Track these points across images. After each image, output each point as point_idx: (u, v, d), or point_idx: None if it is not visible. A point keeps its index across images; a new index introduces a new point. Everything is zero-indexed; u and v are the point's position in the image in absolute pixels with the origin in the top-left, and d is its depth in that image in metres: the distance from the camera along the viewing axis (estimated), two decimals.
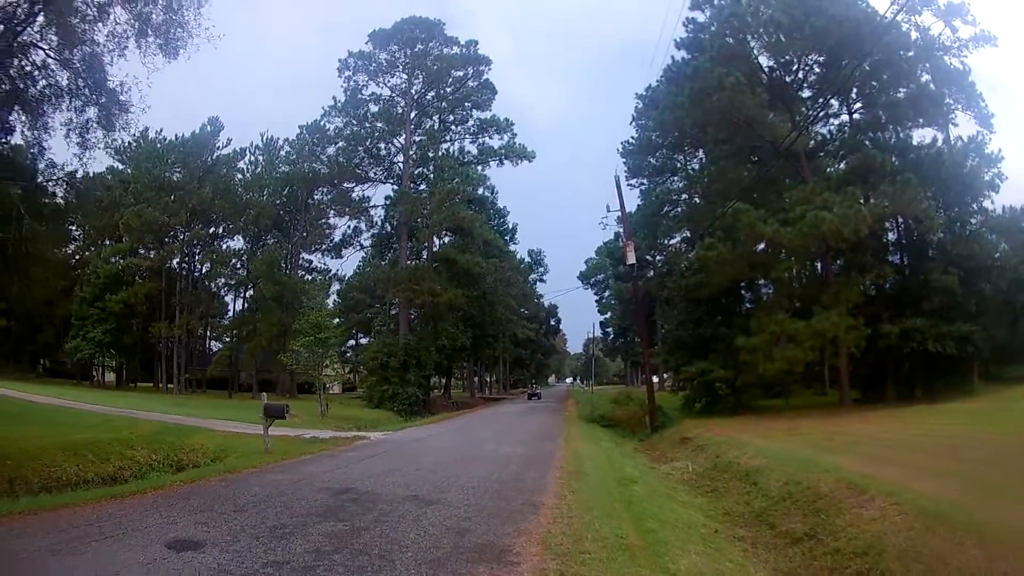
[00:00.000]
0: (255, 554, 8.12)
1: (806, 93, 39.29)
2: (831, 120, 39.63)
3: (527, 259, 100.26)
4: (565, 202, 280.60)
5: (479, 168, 65.43)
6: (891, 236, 37.40)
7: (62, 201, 37.00)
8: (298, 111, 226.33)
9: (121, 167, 70.57)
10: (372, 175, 65.44)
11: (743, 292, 42.65)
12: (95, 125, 24.19)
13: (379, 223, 69.67)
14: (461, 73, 64.97)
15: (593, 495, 13.88)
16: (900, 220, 35.05)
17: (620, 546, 9.47)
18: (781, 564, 10.68)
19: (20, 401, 32.66)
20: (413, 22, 64.12)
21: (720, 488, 17.06)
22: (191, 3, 22.96)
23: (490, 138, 66.44)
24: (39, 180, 27.45)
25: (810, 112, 35.37)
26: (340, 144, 63.90)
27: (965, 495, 10.70)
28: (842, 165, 36.61)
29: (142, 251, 69.61)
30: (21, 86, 23.15)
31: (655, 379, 47.46)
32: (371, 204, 67.22)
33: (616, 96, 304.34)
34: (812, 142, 37.10)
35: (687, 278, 40.49)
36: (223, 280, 76.10)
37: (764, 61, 38.02)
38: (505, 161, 65.13)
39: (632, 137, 54.83)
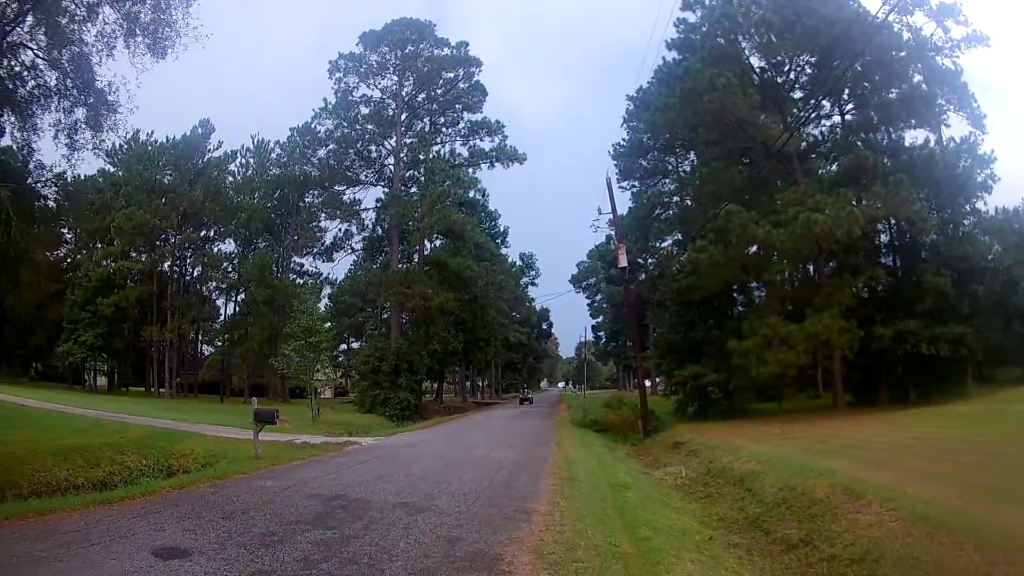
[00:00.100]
0: (242, 563, 7.97)
1: (797, 94, 39.31)
2: (823, 121, 39.75)
3: (519, 262, 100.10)
4: (557, 205, 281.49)
5: (470, 171, 65.49)
6: (883, 238, 37.43)
7: (53, 204, 36.72)
8: (292, 112, 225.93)
9: (112, 170, 70.42)
10: (363, 178, 65.49)
11: (735, 295, 42.66)
12: (83, 126, 24.09)
13: (370, 226, 69.77)
14: (452, 75, 64.86)
15: (586, 502, 13.75)
16: (893, 222, 35.04)
17: (613, 554, 9.35)
18: (777, 571, 10.61)
19: (12, 405, 32.38)
20: (404, 23, 63.99)
21: (714, 494, 17.00)
22: (179, 2, 22.84)
23: (481, 140, 66.45)
24: (29, 182, 27.23)
25: (802, 113, 35.34)
26: (331, 146, 63.88)
27: (963, 499, 10.60)
28: (834, 167, 36.66)
29: (133, 254, 69.23)
30: (10, 87, 23.05)
31: (647, 383, 47.33)
32: (362, 207, 67.35)
33: (607, 98, 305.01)
34: (804, 143, 37.15)
35: (679, 281, 40.50)
36: (214, 284, 75.61)
37: (755, 62, 38.16)
38: (496, 163, 65.21)
39: (623, 139, 54.79)
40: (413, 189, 63.88)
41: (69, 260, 73.93)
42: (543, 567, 8.30)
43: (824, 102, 36.66)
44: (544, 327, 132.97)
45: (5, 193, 23.43)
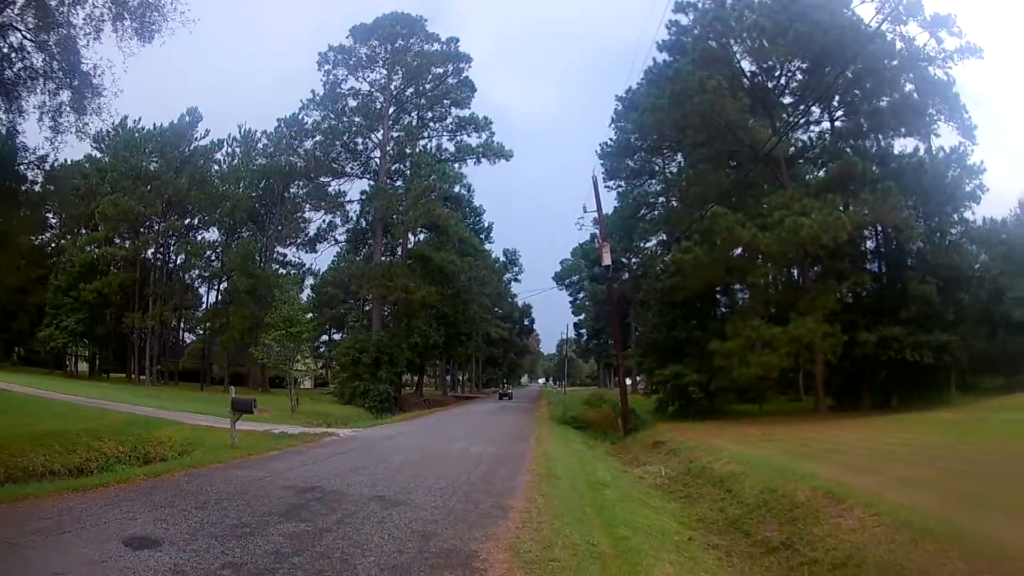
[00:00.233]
0: (213, 554, 7.81)
1: (787, 99, 39.32)
2: (812, 127, 39.81)
3: (502, 258, 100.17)
4: (542, 203, 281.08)
5: (456, 166, 65.55)
6: (870, 244, 37.51)
7: (39, 188, 36.37)
8: (281, 104, 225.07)
9: (99, 155, 70.09)
10: (348, 170, 65.49)
11: (719, 296, 42.69)
12: (68, 109, 23.79)
13: (354, 218, 69.69)
14: (441, 70, 64.83)
15: (564, 499, 13.59)
16: (879, 228, 35.17)
17: (591, 554, 9.21)
18: (757, 574, 10.47)
19: None
20: (395, 18, 63.85)
21: (693, 494, 16.86)
22: None
23: (468, 136, 66.46)
24: (15, 165, 26.96)
25: (791, 118, 35.30)
26: (317, 138, 63.81)
27: (946, 507, 10.51)
28: (822, 172, 36.71)
29: (117, 241, 68.91)
30: None
31: (628, 381, 47.33)
32: (347, 199, 67.33)
33: (596, 99, 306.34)
34: (792, 148, 37.20)
35: (662, 281, 40.47)
36: (197, 272, 75.68)
37: (746, 66, 38.16)
38: (482, 159, 65.23)
39: (611, 139, 54.78)
40: (398, 182, 63.72)
41: (53, 245, 73.63)
42: (519, 565, 8.14)
43: (814, 108, 36.66)
44: (526, 323, 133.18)
45: None
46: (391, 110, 64.19)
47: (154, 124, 70.44)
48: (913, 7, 33.64)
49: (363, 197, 65.42)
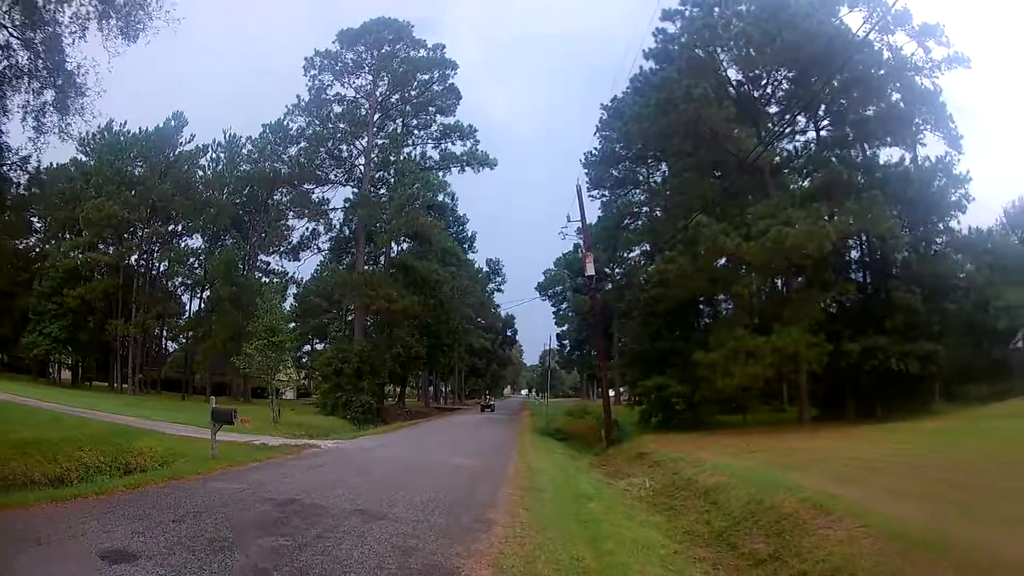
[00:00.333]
0: (190, 570, 7.70)
1: (773, 109, 39.32)
2: (797, 136, 39.85)
3: (485, 268, 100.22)
4: (525, 212, 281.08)
5: (440, 174, 65.58)
6: (854, 254, 37.59)
7: (24, 191, 35.92)
8: (268, 110, 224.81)
9: (84, 159, 69.72)
10: (332, 177, 65.06)
11: (702, 307, 42.72)
12: (51, 108, 23.54)
13: (338, 226, 69.64)
14: (427, 76, 64.59)
15: (548, 512, 13.52)
16: (864, 238, 35.18)
17: (576, 569, 9.12)
18: None
19: None
20: (382, 23, 63.82)
21: (678, 506, 16.75)
22: None
23: (453, 144, 66.31)
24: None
25: (777, 127, 35.34)
26: (302, 144, 63.48)
27: (935, 516, 10.53)
28: (806, 183, 36.76)
29: (101, 246, 68.31)
30: None
31: (611, 393, 47.29)
32: (330, 207, 66.97)
33: (581, 107, 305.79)
34: (777, 158, 37.20)
35: (646, 291, 40.47)
36: (180, 279, 75.55)
37: (733, 74, 38.22)
38: (467, 168, 65.03)
39: (595, 148, 55.05)
40: (382, 190, 63.57)
41: (38, 249, 73.05)
42: None
43: (800, 117, 36.73)
44: (509, 334, 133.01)
45: None
46: (376, 117, 63.98)
47: (139, 128, 70.24)
48: (901, 17, 33.67)
49: (347, 205, 65.56)
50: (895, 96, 34.63)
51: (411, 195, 57.74)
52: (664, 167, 47.99)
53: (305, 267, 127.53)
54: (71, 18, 22.39)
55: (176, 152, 70.77)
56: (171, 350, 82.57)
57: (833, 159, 35.39)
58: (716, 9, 36.89)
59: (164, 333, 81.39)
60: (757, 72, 37.92)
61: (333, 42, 63.99)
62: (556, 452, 32.03)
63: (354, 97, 64.83)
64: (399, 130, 65.52)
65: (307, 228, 70.36)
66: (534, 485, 17.29)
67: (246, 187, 71.18)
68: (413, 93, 64.65)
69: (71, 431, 21.58)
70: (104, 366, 73.67)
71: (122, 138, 68.90)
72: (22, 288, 65.46)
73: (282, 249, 74.40)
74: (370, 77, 64.25)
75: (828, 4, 34.97)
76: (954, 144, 34.93)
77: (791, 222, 30.02)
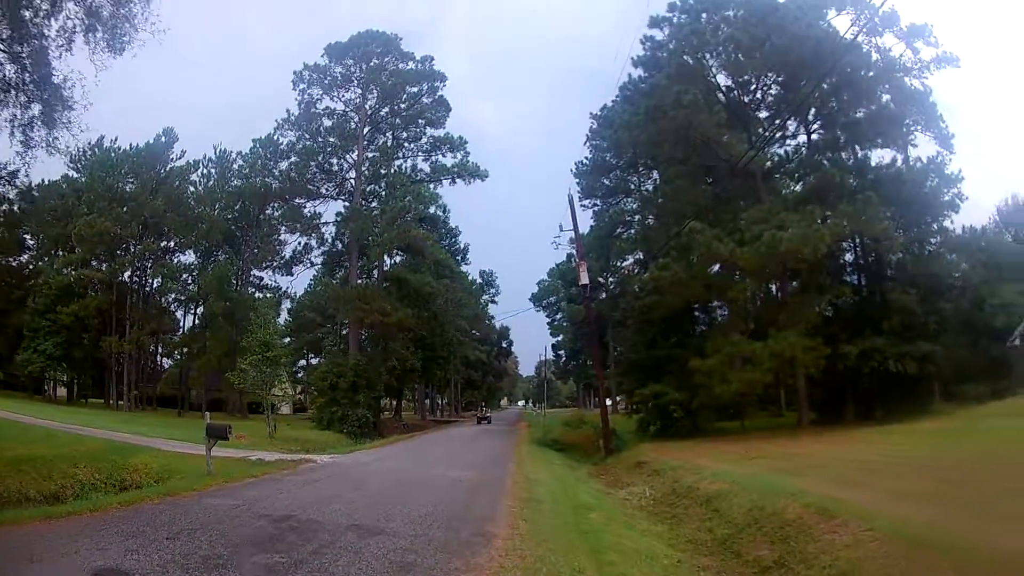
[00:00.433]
0: None
1: (763, 113, 39.48)
2: (788, 140, 39.88)
3: (479, 280, 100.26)
4: (518, 223, 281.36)
5: (431, 186, 65.53)
6: (848, 257, 37.53)
7: (14, 206, 35.80)
8: (259, 124, 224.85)
9: (76, 175, 69.63)
10: (324, 191, 64.90)
11: (697, 314, 42.63)
12: (39, 123, 23.39)
13: (330, 240, 69.62)
14: (416, 89, 64.49)
15: (548, 524, 13.33)
16: (858, 240, 35.17)
17: None
18: None
19: None
20: (370, 36, 63.81)
21: (680, 515, 16.62)
22: None
23: (443, 156, 66.10)
24: None
25: (768, 131, 35.31)
26: (292, 159, 63.39)
27: (942, 516, 10.46)
28: (798, 187, 36.73)
29: (94, 263, 68.05)
30: None
31: (608, 402, 47.15)
32: (322, 221, 66.83)
33: (571, 116, 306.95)
34: (769, 163, 37.22)
35: (641, 299, 40.39)
36: (173, 295, 75.25)
37: (722, 80, 38.31)
38: (458, 179, 64.95)
39: (586, 157, 55.15)
40: (374, 204, 63.33)
41: (31, 266, 73.03)
42: None
43: (790, 121, 36.75)
44: (504, 345, 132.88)
45: None
46: (366, 130, 63.90)
47: (130, 144, 70.05)
48: (889, 18, 33.70)
49: (339, 219, 65.25)
50: (885, 97, 34.75)
51: (403, 208, 57.63)
52: (655, 175, 48.09)
53: (298, 281, 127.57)
54: (58, 31, 22.31)
55: (167, 168, 70.47)
56: (166, 366, 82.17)
57: (825, 162, 35.42)
58: (704, 15, 37.05)
59: (159, 349, 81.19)
60: (746, 77, 37.99)
61: (321, 56, 63.92)
62: (554, 463, 31.87)
63: (344, 111, 64.73)
64: (389, 143, 65.37)
65: (299, 242, 70.58)
66: (533, 496, 17.13)
67: (238, 202, 71.07)
68: (402, 106, 64.56)
69: (66, 448, 21.46)
70: (100, 383, 73.09)
71: (113, 154, 68.78)
72: (16, 305, 65.38)
73: (275, 264, 74.67)
74: (359, 90, 64.17)
75: (816, 7, 35.05)
76: (945, 144, 34.99)
77: (785, 226, 29.98)
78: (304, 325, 77.67)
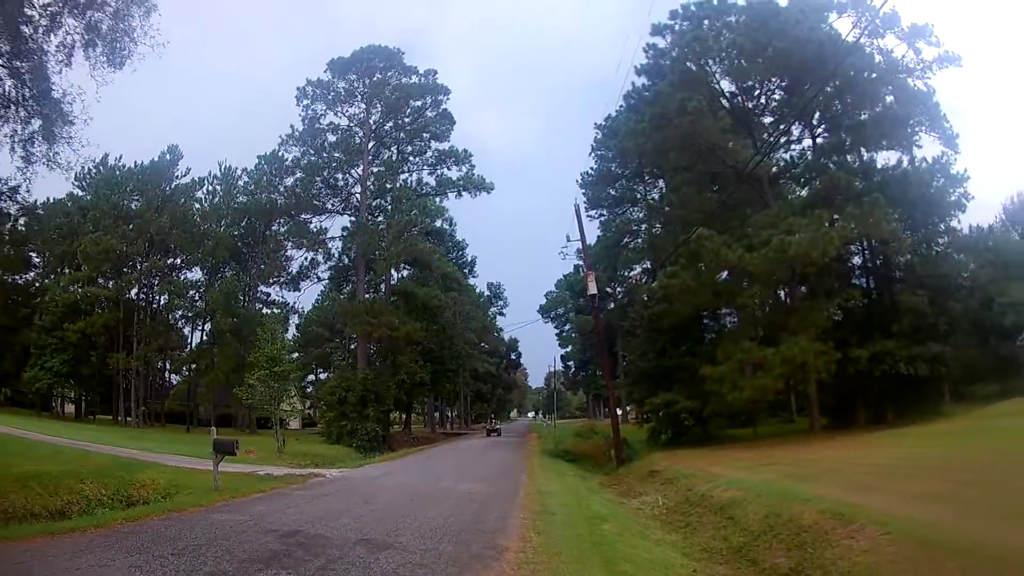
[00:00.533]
0: None
1: (768, 119, 39.37)
2: (794, 145, 39.92)
3: (487, 292, 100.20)
4: (525, 235, 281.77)
5: (437, 200, 65.40)
6: (857, 260, 37.39)
7: (20, 225, 35.81)
8: (263, 140, 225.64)
9: (81, 193, 70.00)
10: (329, 206, 65.02)
11: (707, 321, 42.44)
12: (39, 138, 23.38)
13: (336, 255, 69.71)
14: (420, 103, 64.63)
15: (560, 536, 13.15)
16: (866, 243, 35.12)
17: None
18: None
19: None
20: (372, 51, 64.04)
21: (694, 523, 16.44)
22: (139, 11, 22.29)
23: (448, 169, 66.29)
24: None
25: (772, 136, 35.23)
26: (298, 175, 63.40)
27: (960, 518, 10.30)
28: (804, 192, 36.64)
29: (100, 280, 68.43)
30: None
31: (618, 411, 46.94)
32: (328, 236, 67.00)
33: (576, 127, 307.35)
34: (775, 168, 37.19)
35: (650, 307, 40.23)
36: (181, 312, 75.13)
37: (726, 86, 38.21)
38: (464, 192, 65.10)
39: (591, 168, 55.12)
40: (380, 218, 63.41)
41: (37, 284, 73.15)
42: None
43: (795, 125, 36.68)
44: (513, 357, 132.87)
45: None
46: (370, 144, 64.04)
47: (135, 162, 70.47)
48: (890, 19, 33.72)
49: (345, 234, 65.52)
50: (889, 99, 34.74)
51: (409, 221, 57.70)
52: (661, 183, 48.02)
53: (306, 297, 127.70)
54: (57, 46, 22.39)
55: (172, 185, 70.80)
56: (174, 382, 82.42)
57: (831, 165, 35.34)
58: (706, 22, 36.93)
59: (167, 366, 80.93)
60: (750, 82, 37.95)
61: (325, 71, 64.22)
62: (566, 474, 31.63)
63: (348, 126, 64.89)
64: (394, 157, 65.43)
65: (306, 258, 70.70)
66: (545, 508, 16.93)
67: (243, 219, 71.22)
68: (406, 120, 64.67)
69: (72, 464, 21.42)
70: (107, 399, 73.22)
71: (118, 172, 69.16)
72: (23, 323, 65.73)
73: (282, 280, 74.75)
74: (363, 105, 64.36)
75: (817, 10, 35.04)
76: (950, 144, 34.97)
77: (793, 230, 29.86)
78: (312, 340, 77.57)
